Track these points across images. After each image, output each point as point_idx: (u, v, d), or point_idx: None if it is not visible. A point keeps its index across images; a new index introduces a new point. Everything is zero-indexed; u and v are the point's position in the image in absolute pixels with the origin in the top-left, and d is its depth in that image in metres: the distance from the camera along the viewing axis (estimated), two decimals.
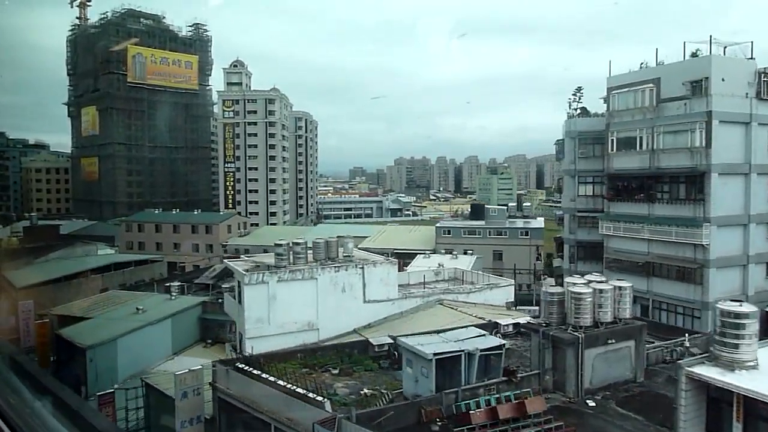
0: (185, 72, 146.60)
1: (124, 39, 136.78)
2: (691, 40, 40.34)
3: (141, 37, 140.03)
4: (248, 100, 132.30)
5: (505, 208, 77.73)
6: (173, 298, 46.59)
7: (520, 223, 71.94)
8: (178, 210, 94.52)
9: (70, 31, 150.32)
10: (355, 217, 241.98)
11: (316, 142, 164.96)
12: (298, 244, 32.24)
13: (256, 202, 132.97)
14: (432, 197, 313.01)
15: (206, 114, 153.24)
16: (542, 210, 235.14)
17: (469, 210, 78.77)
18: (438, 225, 73.80)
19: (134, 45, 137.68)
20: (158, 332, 41.44)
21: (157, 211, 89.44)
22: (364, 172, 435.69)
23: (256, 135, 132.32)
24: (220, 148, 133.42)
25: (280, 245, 31.96)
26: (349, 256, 33.57)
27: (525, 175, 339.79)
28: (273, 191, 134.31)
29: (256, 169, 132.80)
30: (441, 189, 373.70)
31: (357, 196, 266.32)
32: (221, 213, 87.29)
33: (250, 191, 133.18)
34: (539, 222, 75.30)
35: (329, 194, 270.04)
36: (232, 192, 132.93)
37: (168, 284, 51.83)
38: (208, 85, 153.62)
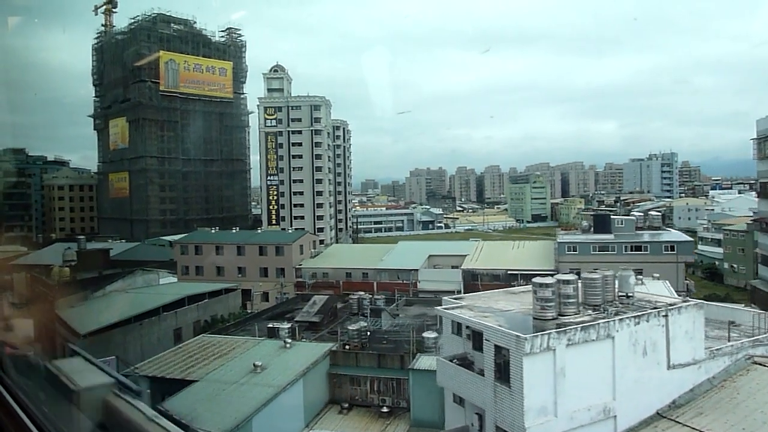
0: (219, 79, 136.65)
1: (156, 45, 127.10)
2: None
3: (173, 42, 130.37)
4: (292, 107, 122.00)
5: (634, 218, 66.52)
6: (288, 346, 35.56)
7: (664, 235, 60.70)
8: (217, 228, 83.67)
9: (95, 39, 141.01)
10: (385, 231, 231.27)
11: (351, 152, 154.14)
12: (568, 282, 20.98)
13: (302, 218, 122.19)
14: (458, 208, 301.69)
15: (241, 124, 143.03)
16: (583, 219, 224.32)
17: (590, 222, 67.42)
18: (560, 240, 62.71)
19: (166, 51, 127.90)
20: (290, 400, 30.66)
21: (213, 230, 78.55)
22: (377, 184, 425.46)
23: (300, 145, 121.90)
24: (261, 160, 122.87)
25: (545, 284, 20.70)
26: (630, 296, 22.41)
27: (551, 184, 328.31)
28: (320, 205, 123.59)
29: (301, 181, 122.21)
30: (464, 199, 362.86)
31: (384, 208, 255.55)
32: (289, 231, 76.22)
33: (295, 206, 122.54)
34: (678, 234, 64.01)
35: (356, 207, 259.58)
36: (275, 207, 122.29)
37: (272, 324, 40.97)
38: (243, 93, 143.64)
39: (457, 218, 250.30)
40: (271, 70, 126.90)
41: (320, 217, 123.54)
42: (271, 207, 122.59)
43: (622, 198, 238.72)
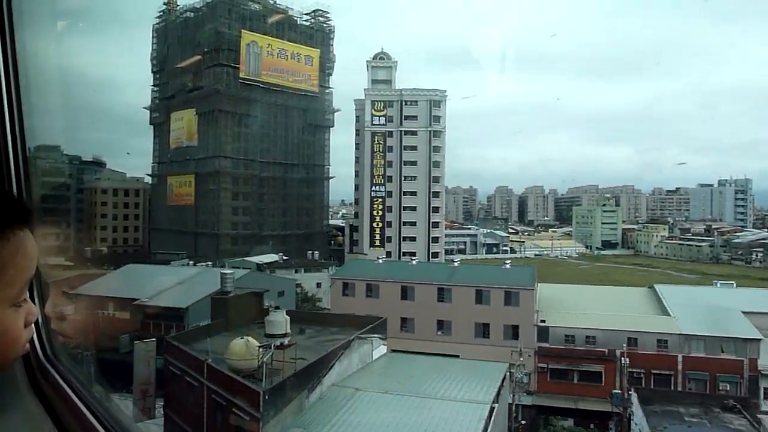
0: (305, 69, 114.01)
1: (237, 23, 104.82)
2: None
3: (255, 22, 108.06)
4: (406, 101, 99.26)
5: None
6: None
7: None
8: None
9: (157, 18, 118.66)
10: (447, 254, 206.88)
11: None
12: None
13: (413, 239, 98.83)
14: (511, 230, 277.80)
15: (325, 123, 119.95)
16: (669, 249, 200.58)
17: None
18: None
19: (249, 31, 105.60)
20: None
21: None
22: None
23: (415, 149, 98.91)
24: (365, 166, 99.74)
25: None
26: None
27: (634, 209, 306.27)
28: (436, 225, 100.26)
29: (414, 194, 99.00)
30: (510, 221, 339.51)
31: (447, 229, 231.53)
32: (507, 266, 51.84)
33: (405, 224, 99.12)
34: None
35: None
36: (379, 224, 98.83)
37: None
38: (329, 87, 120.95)
39: (524, 242, 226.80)
40: (376, 57, 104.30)
41: (435, 240, 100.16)
42: (375, 224, 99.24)
43: (710, 226, 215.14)
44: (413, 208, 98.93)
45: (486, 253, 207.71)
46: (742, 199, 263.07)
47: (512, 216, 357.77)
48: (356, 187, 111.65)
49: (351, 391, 27.17)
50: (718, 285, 58.75)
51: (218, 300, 34.72)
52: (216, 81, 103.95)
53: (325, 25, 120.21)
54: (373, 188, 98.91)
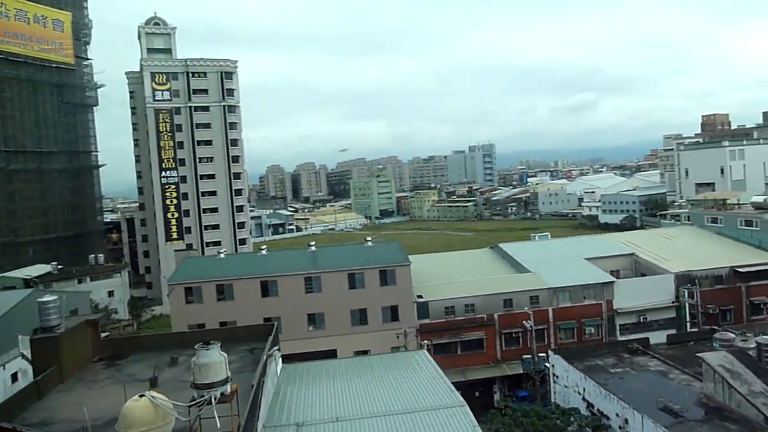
0: (54, 36, 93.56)
1: None
2: None
3: None
4: (193, 73, 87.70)
5: None
6: None
7: None
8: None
9: None
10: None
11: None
12: None
13: (216, 227, 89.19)
14: (290, 208, 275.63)
15: (87, 101, 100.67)
16: (440, 212, 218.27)
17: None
18: None
19: None
20: None
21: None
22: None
23: (208, 126, 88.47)
24: (152, 149, 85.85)
25: None
26: None
27: (399, 178, 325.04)
28: (240, 208, 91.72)
29: (212, 177, 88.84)
30: (286, 198, 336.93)
31: None
32: (370, 243, 46.06)
33: (205, 211, 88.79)
34: None
35: None
36: (176, 213, 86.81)
37: None
38: (87, 58, 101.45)
39: (308, 218, 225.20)
40: (149, 23, 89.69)
41: (241, 225, 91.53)
42: (170, 215, 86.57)
43: (471, 188, 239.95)
44: (213, 193, 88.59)
45: (273, 234, 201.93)
46: (489, 162, 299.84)
47: (287, 194, 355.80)
48: (138, 174, 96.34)
49: (293, 430, 20.53)
50: (537, 238, 62.82)
51: (43, 342, 24.07)
52: None
53: None
54: (164, 174, 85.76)
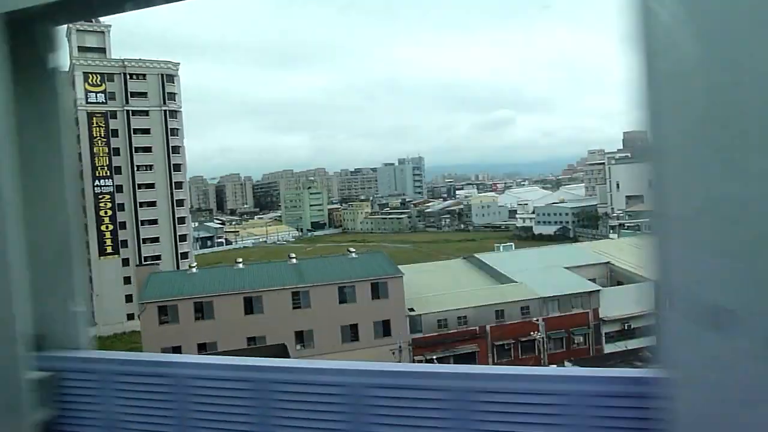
0: None
1: None
2: None
3: None
4: (131, 75, 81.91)
5: None
6: None
7: None
8: None
9: None
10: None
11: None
12: None
13: (156, 240, 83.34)
14: (217, 220, 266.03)
15: None
16: (373, 224, 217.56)
17: None
18: None
19: None
20: None
21: None
22: None
23: (148, 132, 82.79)
24: (84, 154, 79.00)
25: None
26: None
27: (327, 190, 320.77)
28: (182, 220, 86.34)
29: (152, 186, 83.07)
30: (212, 210, 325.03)
31: None
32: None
33: (144, 223, 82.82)
34: None
35: None
36: (110, 226, 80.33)
37: None
38: None
39: (238, 231, 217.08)
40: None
41: (183, 238, 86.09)
42: (104, 227, 79.87)
43: (405, 200, 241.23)
44: (152, 204, 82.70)
45: (201, 248, 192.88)
46: (418, 175, 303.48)
47: (211, 206, 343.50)
48: None
49: None
50: (501, 249, 62.83)
51: None
52: None
53: None
54: (97, 183, 79.06)
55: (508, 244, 67.75)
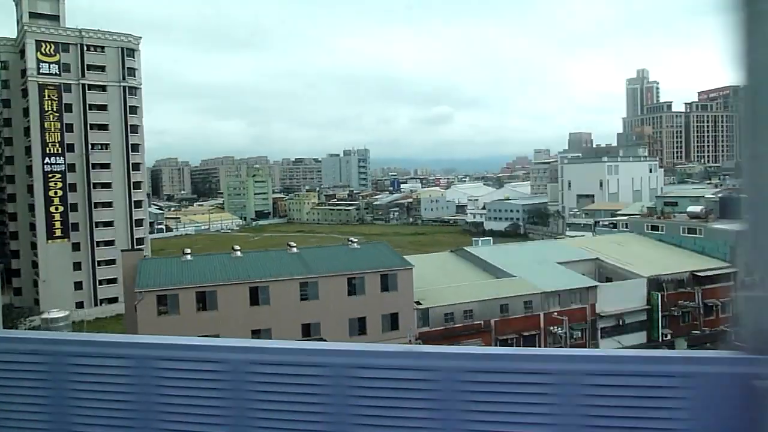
0: None
1: None
2: None
3: None
4: (88, 46, 76.21)
5: None
6: None
7: None
8: None
9: None
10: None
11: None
12: None
13: (110, 224, 78.37)
14: (155, 206, 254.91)
15: None
16: (320, 215, 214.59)
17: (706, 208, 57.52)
18: None
19: None
20: None
21: None
22: None
23: (105, 109, 77.46)
24: (33, 129, 72.85)
25: None
26: None
27: (269, 179, 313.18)
28: (138, 204, 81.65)
29: (107, 166, 77.90)
30: (148, 195, 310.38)
31: None
32: (355, 245, 41.54)
33: (97, 206, 77.63)
34: None
35: None
36: (60, 207, 74.75)
37: None
38: None
39: (179, 218, 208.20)
40: None
41: (139, 223, 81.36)
42: (53, 209, 74.09)
43: (352, 191, 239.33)
44: (107, 185, 77.36)
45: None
46: (364, 167, 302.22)
47: (146, 191, 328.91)
48: (8, 160, 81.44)
49: None
50: (480, 243, 62.89)
51: None
52: None
53: None
54: (47, 160, 73.02)
55: (486, 238, 68.02)
